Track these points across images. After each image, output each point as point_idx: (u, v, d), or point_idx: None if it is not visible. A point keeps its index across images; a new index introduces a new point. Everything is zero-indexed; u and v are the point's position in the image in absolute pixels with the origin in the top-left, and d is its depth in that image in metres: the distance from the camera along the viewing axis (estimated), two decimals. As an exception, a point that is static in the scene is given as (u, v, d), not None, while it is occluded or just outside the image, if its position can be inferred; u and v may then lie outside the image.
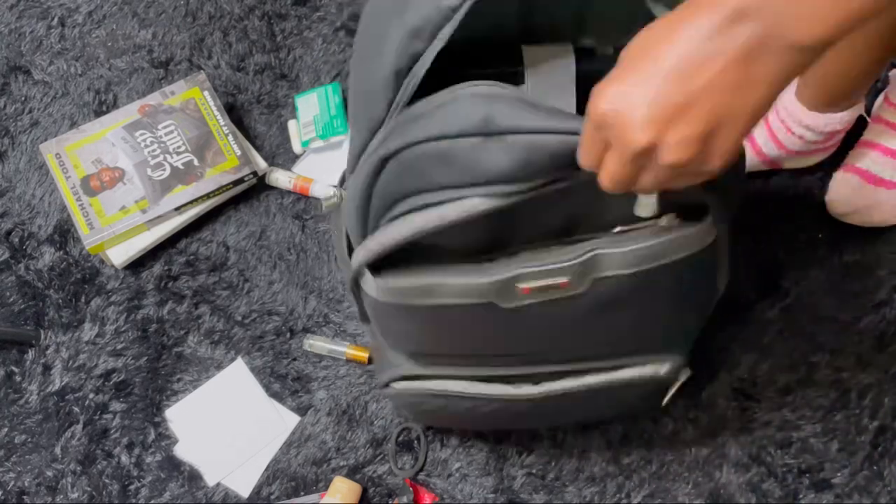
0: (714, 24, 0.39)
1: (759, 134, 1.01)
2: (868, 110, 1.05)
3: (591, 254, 0.61)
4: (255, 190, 1.14)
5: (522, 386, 0.77)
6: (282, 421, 1.05)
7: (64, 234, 1.14)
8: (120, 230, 1.07)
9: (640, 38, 0.43)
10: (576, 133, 0.51)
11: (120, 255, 1.09)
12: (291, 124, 1.15)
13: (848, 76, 0.90)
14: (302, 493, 1.03)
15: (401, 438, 1.03)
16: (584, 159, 0.48)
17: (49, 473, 1.06)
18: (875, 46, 0.85)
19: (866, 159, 1.01)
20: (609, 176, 0.46)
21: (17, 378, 1.09)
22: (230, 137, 1.10)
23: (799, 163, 1.04)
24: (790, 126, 0.98)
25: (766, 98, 0.41)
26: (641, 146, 0.42)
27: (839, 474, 0.98)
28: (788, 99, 0.98)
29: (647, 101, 0.41)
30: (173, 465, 1.05)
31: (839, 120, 0.96)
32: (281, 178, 1.12)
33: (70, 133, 1.11)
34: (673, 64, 0.41)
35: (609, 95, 0.43)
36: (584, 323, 0.67)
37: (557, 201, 0.58)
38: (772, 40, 0.39)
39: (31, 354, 1.10)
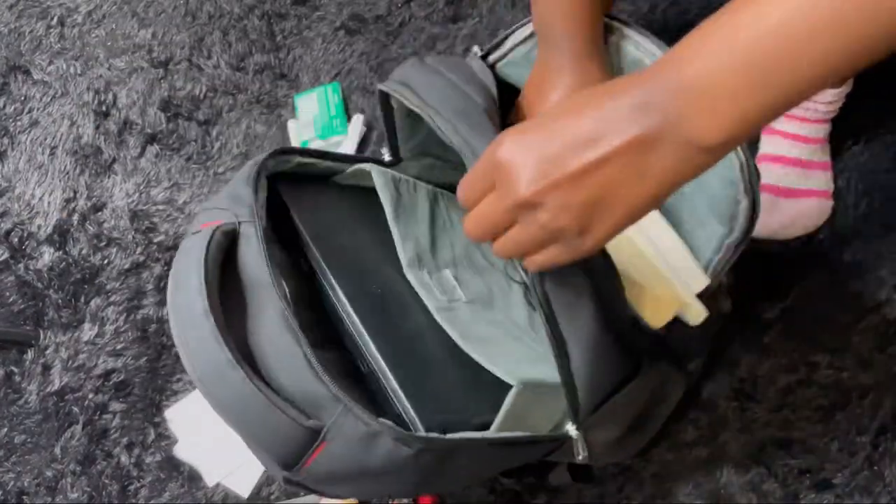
0: (623, 106, 0.41)
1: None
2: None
3: None
4: (254, 190, 1.14)
5: None
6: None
7: (63, 234, 1.14)
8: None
9: (563, 100, 0.46)
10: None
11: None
12: (291, 124, 1.14)
13: None
14: (302, 494, 1.03)
15: (401, 438, 1.02)
16: (465, 193, 0.48)
17: (49, 473, 1.06)
18: None
19: (772, 174, 1.00)
20: (480, 216, 0.47)
21: (17, 378, 1.09)
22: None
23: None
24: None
25: (652, 192, 0.42)
26: (523, 198, 0.43)
27: (839, 474, 0.98)
28: None
29: (542, 159, 0.43)
30: (173, 466, 1.04)
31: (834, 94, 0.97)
32: None
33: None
34: (576, 133, 0.42)
35: (511, 143, 0.44)
36: None
37: None
38: (670, 135, 0.40)
39: (30, 354, 1.10)
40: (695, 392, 1.00)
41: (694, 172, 0.41)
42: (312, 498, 1.02)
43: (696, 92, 0.39)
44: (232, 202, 0.64)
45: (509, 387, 0.64)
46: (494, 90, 0.69)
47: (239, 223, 0.62)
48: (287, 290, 0.60)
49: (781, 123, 1.01)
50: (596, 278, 0.58)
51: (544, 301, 0.55)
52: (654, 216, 0.72)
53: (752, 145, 1.03)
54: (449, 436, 0.59)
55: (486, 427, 0.62)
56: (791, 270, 1.04)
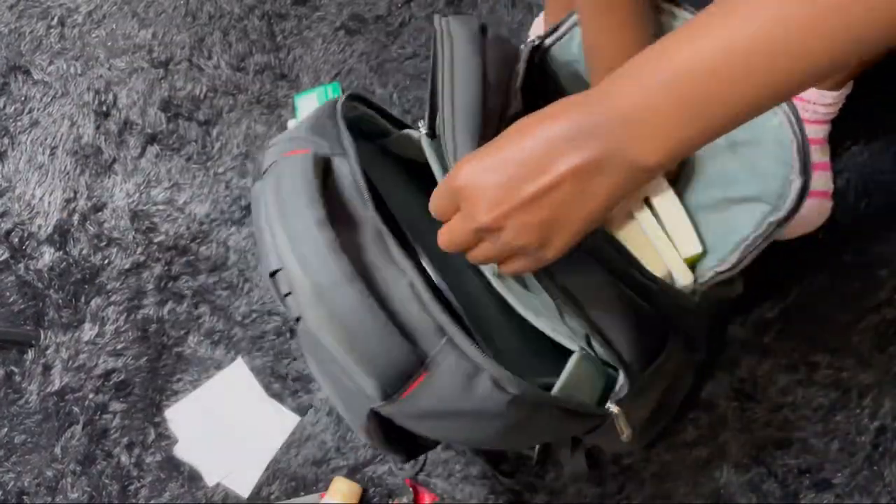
0: (569, 131, 0.44)
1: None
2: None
3: None
4: (255, 190, 1.14)
5: None
6: (282, 421, 1.05)
7: (64, 234, 1.14)
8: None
9: (519, 122, 0.47)
10: None
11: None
12: (291, 124, 1.14)
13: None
14: (302, 493, 1.03)
15: (401, 438, 1.03)
16: (435, 210, 0.53)
17: (49, 473, 1.06)
18: None
19: None
20: (449, 236, 0.52)
21: (17, 378, 1.09)
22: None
23: None
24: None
25: (600, 207, 0.46)
26: (485, 224, 0.48)
27: (839, 474, 0.98)
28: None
29: (498, 186, 0.46)
30: (173, 465, 1.05)
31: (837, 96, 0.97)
32: None
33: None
34: (526, 159, 0.45)
35: (469, 170, 0.48)
36: None
37: None
38: (613, 159, 0.43)
39: (30, 354, 1.10)
40: (695, 392, 1.00)
41: (637, 186, 0.45)
42: (313, 497, 1.02)
43: (635, 122, 0.42)
44: (314, 134, 0.64)
45: (563, 355, 0.64)
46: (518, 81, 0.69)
47: (331, 154, 0.62)
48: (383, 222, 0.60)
49: None
50: (604, 254, 0.61)
51: (561, 292, 0.57)
52: (658, 182, 0.73)
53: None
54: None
55: (547, 390, 0.62)
56: (791, 270, 1.04)
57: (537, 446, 0.88)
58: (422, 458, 1.01)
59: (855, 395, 1.00)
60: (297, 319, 0.58)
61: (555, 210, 0.46)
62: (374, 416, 0.58)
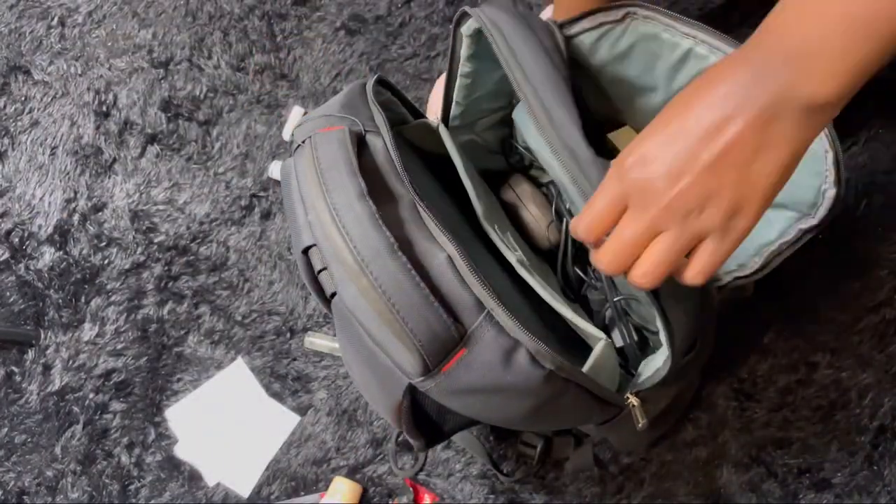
0: (735, 87, 0.42)
1: None
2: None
3: None
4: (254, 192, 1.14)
5: None
6: (282, 420, 1.05)
7: (64, 234, 1.14)
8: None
9: (676, 99, 0.45)
10: None
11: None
12: (288, 128, 1.15)
13: None
14: (302, 493, 1.03)
15: (401, 438, 1.03)
16: (591, 226, 0.48)
17: (49, 473, 1.06)
18: None
19: None
20: (619, 242, 0.46)
21: (17, 378, 1.09)
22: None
23: None
24: None
25: (785, 159, 0.43)
26: (669, 202, 0.44)
27: (839, 474, 0.98)
28: None
29: (674, 161, 0.44)
30: (173, 465, 1.05)
31: None
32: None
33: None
34: (697, 127, 0.43)
35: (636, 159, 0.45)
36: None
37: None
38: (789, 103, 0.41)
39: (31, 354, 1.10)
40: (695, 392, 1.00)
41: (819, 130, 0.43)
42: (313, 498, 1.02)
43: (805, 57, 0.40)
44: (349, 111, 0.64)
45: (586, 346, 0.64)
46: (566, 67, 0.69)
47: (365, 130, 0.62)
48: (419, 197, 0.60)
49: None
50: None
51: (660, 309, 0.59)
52: None
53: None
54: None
55: None
56: (791, 270, 1.04)
57: (538, 446, 0.88)
58: (422, 458, 1.01)
59: (855, 395, 1.00)
60: (332, 296, 0.57)
61: (738, 171, 0.43)
62: (410, 392, 0.57)
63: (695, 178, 0.43)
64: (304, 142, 0.62)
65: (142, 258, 1.12)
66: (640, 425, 0.66)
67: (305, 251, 0.58)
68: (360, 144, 0.61)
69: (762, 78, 0.42)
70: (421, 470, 1.01)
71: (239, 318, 1.09)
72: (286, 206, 0.62)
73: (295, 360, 1.07)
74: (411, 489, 1.01)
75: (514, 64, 0.62)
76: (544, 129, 0.60)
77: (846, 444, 0.99)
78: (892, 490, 0.97)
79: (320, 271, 0.57)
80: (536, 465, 0.98)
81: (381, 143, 0.62)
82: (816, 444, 0.99)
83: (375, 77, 0.69)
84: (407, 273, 0.54)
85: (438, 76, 1.12)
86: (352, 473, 1.02)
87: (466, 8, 0.66)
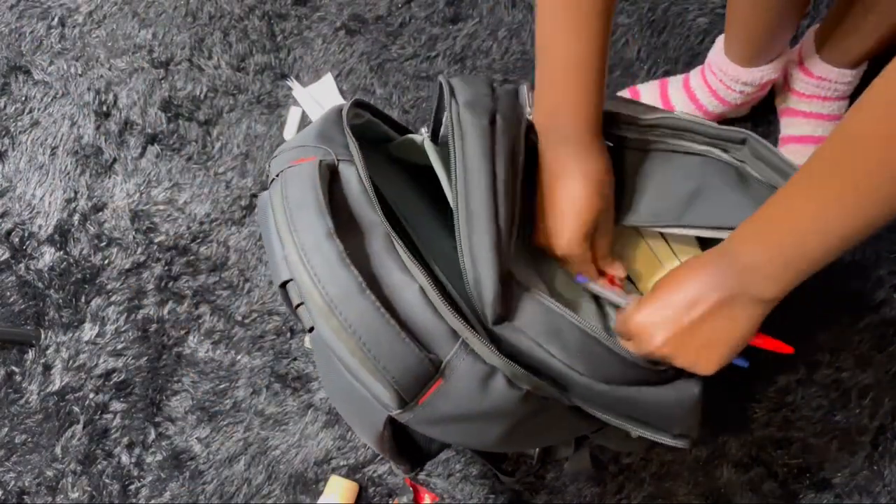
0: (708, 279, 0.60)
1: (703, 96, 1.06)
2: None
3: None
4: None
5: None
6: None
7: (64, 234, 1.14)
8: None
9: (667, 276, 0.63)
10: None
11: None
12: (288, 129, 1.15)
13: (772, 32, 0.93)
14: (302, 493, 1.03)
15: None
16: (617, 332, 0.67)
17: (49, 473, 1.06)
18: (794, 5, 0.90)
19: (797, 156, 1.02)
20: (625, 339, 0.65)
21: (18, 378, 1.09)
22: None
23: (740, 112, 1.09)
24: (729, 84, 1.02)
25: (742, 329, 0.60)
26: (657, 349, 0.61)
27: (839, 474, 0.98)
28: (722, 60, 1.01)
29: (664, 320, 0.61)
30: (174, 465, 1.05)
31: (772, 69, 1.00)
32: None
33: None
34: (682, 299, 0.60)
35: (640, 316, 0.62)
36: None
37: None
38: (743, 296, 0.59)
39: (31, 354, 1.10)
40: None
41: (767, 311, 0.60)
42: (311, 497, 1.02)
43: (753, 272, 0.57)
44: (321, 141, 0.64)
45: None
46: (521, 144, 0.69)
47: (337, 160, 0.62)
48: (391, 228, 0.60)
49: (801, 104, 1.04)
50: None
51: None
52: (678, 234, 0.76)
53: (772, 135, 1.04)
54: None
55: None
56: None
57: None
58: (422, 457, 1.02)
59: (855, 395, 1.00)
60: (311, 329, 0.58)
61: (709, 333, 0.60)
62: (391, 423, 0.58)
63: (676, 335, 0.60)
64: (277, 175, 0.62)
65: (142, 258, 1.12)
66: (633, 433, 0.67)
67: (283, 285, 0.58)
68: (333, 176, 0.61)
69: (724, 279, 0.59)
70: (421, 470, 1.02)
71: (239, 318, 1.09)
72: (264, 239, 0.62)
73: (295, 360, 1.07)
74: (411, 489, 1.01)
75: (461, 177, 0.62)
76: (459, 244, 0.60)
77: (846, 444, 0.99)
78: (892, 490, 0.98)
79: (298, 306, 0.58)
80: (536, 465, 0.98)
81: (356, 172, 0.62)
82: (816, 444, 0.99)
83: (352, 100, 0.69)
84: (376, 311, 0.54)
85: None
86: (352, 473, 1.02)
87: (442, 76, 0.67)
